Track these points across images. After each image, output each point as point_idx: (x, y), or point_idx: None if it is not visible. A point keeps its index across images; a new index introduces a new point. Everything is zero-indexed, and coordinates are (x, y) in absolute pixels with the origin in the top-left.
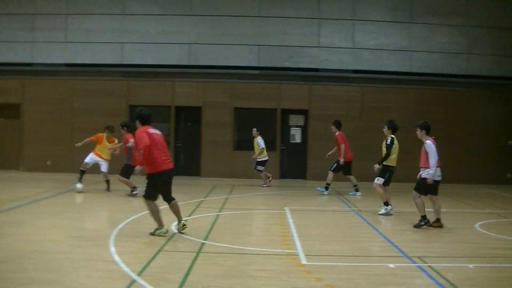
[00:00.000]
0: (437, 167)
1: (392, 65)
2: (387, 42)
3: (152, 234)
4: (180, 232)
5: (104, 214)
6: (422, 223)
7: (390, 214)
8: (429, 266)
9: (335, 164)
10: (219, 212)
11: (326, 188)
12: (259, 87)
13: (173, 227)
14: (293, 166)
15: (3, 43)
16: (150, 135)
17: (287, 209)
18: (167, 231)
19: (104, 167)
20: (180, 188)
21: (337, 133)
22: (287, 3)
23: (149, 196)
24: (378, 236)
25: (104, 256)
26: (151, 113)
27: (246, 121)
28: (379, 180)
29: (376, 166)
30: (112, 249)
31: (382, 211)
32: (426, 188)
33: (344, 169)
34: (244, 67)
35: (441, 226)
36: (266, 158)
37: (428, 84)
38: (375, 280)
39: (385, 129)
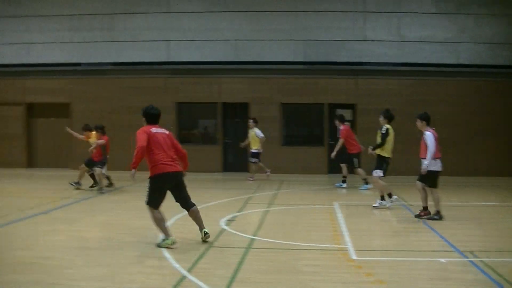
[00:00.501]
0: (437, 158)
1: (438, 57)
2: (432, 34)
3: (159, 246)
4: (203, 241)
5: None
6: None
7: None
8: (482, 261)
9: (353, 160)
10: (268, 207)
11: (366, 183)
12: (306, 82)
13: (223, 223)
14: (341, 160)
15: (51, 44)
16: (152, 135)
17: (336, 204)
18: (173, 243)
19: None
20: (229, 184)
21: (341, 127)
22: None
23: (151, 202)
24: (429, 230)
25: (154, 252)
26: (159, 112)
27: (294, 116)
28: (377, 173)
29: (370, 149)
30: None
31: (388, 203)
32: (435, 180)
33: (347, 160)
34: (290, 63)
35: (441, 218)
36: (261, 150)
37: (474, 76)
38: (426, 275)
39: (381, 119)
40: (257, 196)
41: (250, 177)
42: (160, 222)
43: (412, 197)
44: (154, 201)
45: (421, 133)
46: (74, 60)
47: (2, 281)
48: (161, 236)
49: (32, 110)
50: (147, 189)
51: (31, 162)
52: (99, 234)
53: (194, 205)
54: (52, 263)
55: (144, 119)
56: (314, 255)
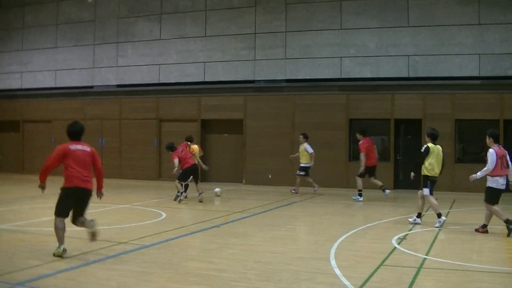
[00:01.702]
0: (497, 176)
1: None
2: None
3: (54, 254)
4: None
5: (324, 227)
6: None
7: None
8: None
9: (370, 172)
10: (441, 226)
11: (360, 195)
12: (481, 98)
13: (394, 241)
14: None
15: (227, 62)
16: (68, 151)
17: None
18: (64, 251)
19: None
20: (400, 202)
21: (361, 141)
22: (508, 9)
23: (57, 211)
24: None
25: (325, 268)
26: (81, 127)
27: (468, 133)
28: (424, 191)
29: (412, 174)
30: (333, 262)
31: (437, 224)
32: (493, 196)
33: (368, 173)
34: (464, 78)
35: (486, 232)
36: (310, 164)
37: None
38: None
39: (427, 138)
40: (429, 215)
41: (294, 190)
42: (58, 231)
43: None
44: (60, 211)
45: None
46: (248, 78)
47: None
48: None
49: (207, 126)
50: (57, 200)
51: (204, 176)
52: (271, 249)
53: (84, 218)
54: (226, 276)
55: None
56: (487, 277)
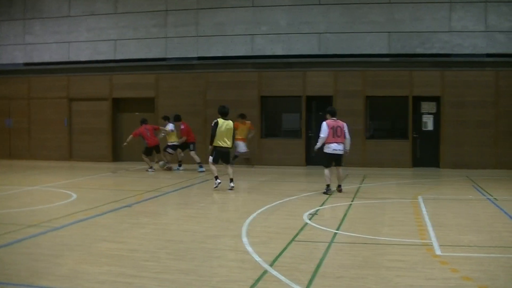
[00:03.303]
0: (330, 143)
1: None
2: None
3: None
4: None
5: (237, 204)
6: (325, 190)
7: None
8: None
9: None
10: (352, 201)
11: (201, 166)
12: (391, 75)
13: (306, 217)
14: (425, 154)
15: (139, 40)
16: None
17: (420, 198)
18: None
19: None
20: (312, 178)
21: (182, 126)
22: None
23: None
24: None
25: (237, 246)
26: None
27: (378, 109)
28: (209, 158)
29: (210, 147)
30: (245, 239)
31: (214, 185)
32: (326, 160)
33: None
34: (375, 55)
35: (340, 191)
36: (177, 143)
37: None
38: None
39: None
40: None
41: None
42: None
43: (499, 191)
44: None
45: None
46: (159, 55)
47: (87, 272)
48: None
49: (118, 105)
50: None
51: (116, 156)
52: (183, 227)
53: None
54: (137, 256)
55: None
56: (398, 250)
